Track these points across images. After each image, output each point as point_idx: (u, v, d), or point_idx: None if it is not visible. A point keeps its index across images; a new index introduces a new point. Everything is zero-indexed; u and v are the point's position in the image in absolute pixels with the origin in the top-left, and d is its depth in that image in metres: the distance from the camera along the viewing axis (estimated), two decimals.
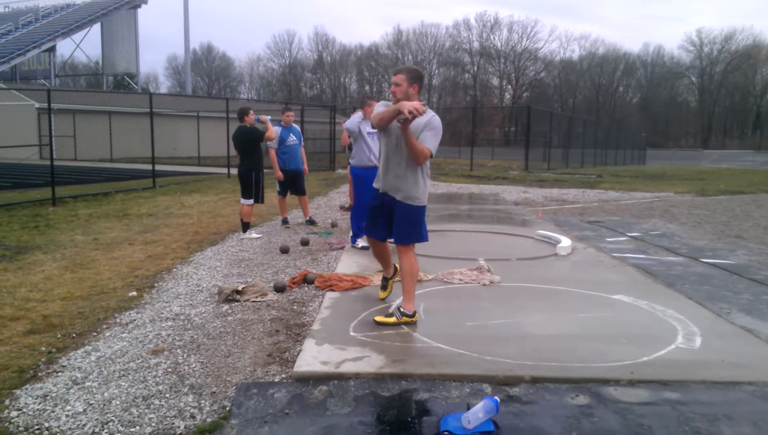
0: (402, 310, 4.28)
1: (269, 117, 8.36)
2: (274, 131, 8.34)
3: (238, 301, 4.88)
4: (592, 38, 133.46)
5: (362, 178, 6.78)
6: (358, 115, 7.07)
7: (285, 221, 9.02)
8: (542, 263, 6.56)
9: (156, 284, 5.52)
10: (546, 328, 4.31)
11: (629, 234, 8.89)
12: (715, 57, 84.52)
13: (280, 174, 8.73)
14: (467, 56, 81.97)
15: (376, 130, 4.64)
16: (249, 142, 7.92)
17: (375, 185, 4.49)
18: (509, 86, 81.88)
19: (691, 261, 6.89)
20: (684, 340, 4.05)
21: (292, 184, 8.95)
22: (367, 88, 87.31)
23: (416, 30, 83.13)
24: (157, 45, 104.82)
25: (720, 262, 6.88)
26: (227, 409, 3.04)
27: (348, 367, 3.46)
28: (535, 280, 5.71)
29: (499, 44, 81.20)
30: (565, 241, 7.29)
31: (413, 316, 4.28)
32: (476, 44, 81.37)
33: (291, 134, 8.84)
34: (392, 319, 4.25)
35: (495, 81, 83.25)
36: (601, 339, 4.08)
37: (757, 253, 7.59)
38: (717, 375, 3.45)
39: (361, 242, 6.96)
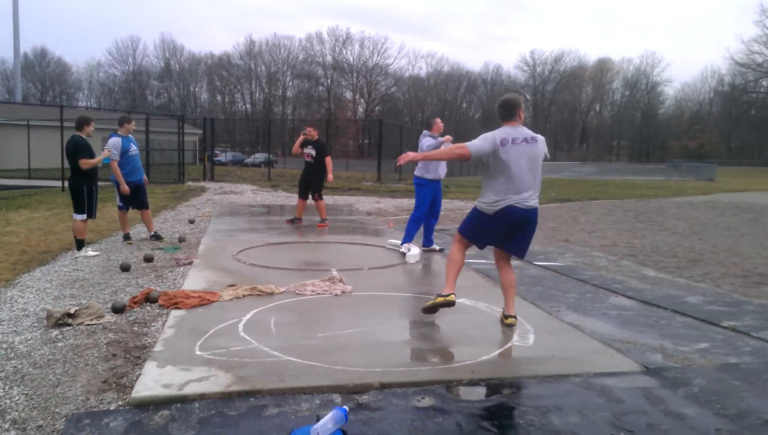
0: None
1: (108, 157, 7.86)
2: (110, 144, 8.02)
3: (70, 325, 4.48)
4: (438, 56, 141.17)
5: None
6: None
7: (127, 237, 8.46)
8: (392, 271, 6.74)
9: None
10: (395, 334, 4.42)
11: None
12: (546, 76, 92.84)
13: (126, 188, 8.15)
14: (321, 69, 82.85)
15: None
16: (78, 155, 7.37)
17: None
18: (362, 100, 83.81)
19: (525, 264, 7.42)
20: (519, 338, 4.35)
21: (134, 197, 8.40)
22: (219, 98, 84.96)
23: (269, 41, 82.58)
24: None
25: (550, 264, 7.50)
26: None
27: (192, 389, 3.30)
28: (385, 289, 5.85)
29: (351, 59, 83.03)
30: (414, 250, 7.56)
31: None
32: (329, 58, 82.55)
33: (132, 144, 8.35)
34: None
35: (348, 94, 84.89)
36: (446, 341, 4.27)
37: (582, 255, 8.37)
38: (547, 369, 3.73)
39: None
